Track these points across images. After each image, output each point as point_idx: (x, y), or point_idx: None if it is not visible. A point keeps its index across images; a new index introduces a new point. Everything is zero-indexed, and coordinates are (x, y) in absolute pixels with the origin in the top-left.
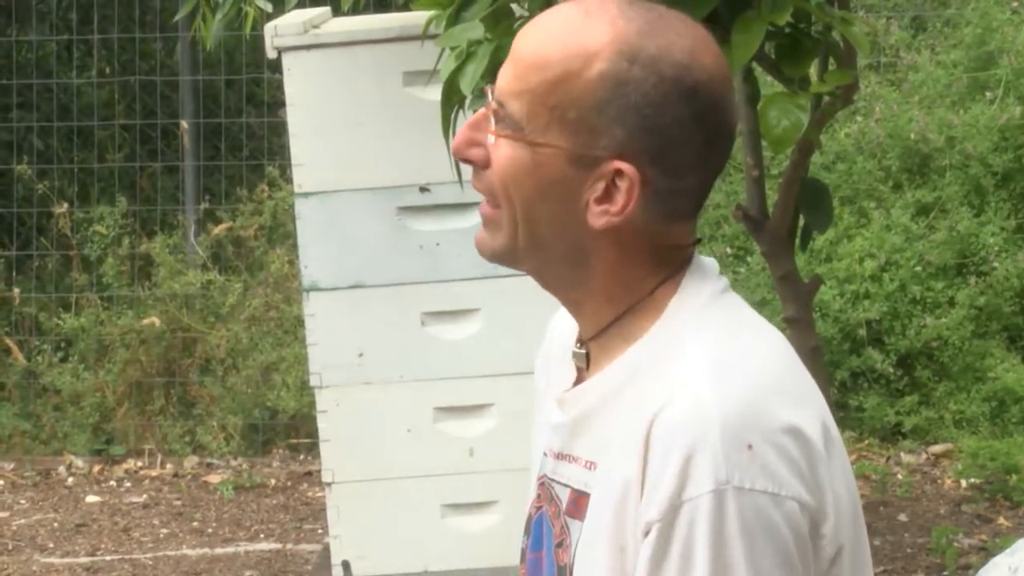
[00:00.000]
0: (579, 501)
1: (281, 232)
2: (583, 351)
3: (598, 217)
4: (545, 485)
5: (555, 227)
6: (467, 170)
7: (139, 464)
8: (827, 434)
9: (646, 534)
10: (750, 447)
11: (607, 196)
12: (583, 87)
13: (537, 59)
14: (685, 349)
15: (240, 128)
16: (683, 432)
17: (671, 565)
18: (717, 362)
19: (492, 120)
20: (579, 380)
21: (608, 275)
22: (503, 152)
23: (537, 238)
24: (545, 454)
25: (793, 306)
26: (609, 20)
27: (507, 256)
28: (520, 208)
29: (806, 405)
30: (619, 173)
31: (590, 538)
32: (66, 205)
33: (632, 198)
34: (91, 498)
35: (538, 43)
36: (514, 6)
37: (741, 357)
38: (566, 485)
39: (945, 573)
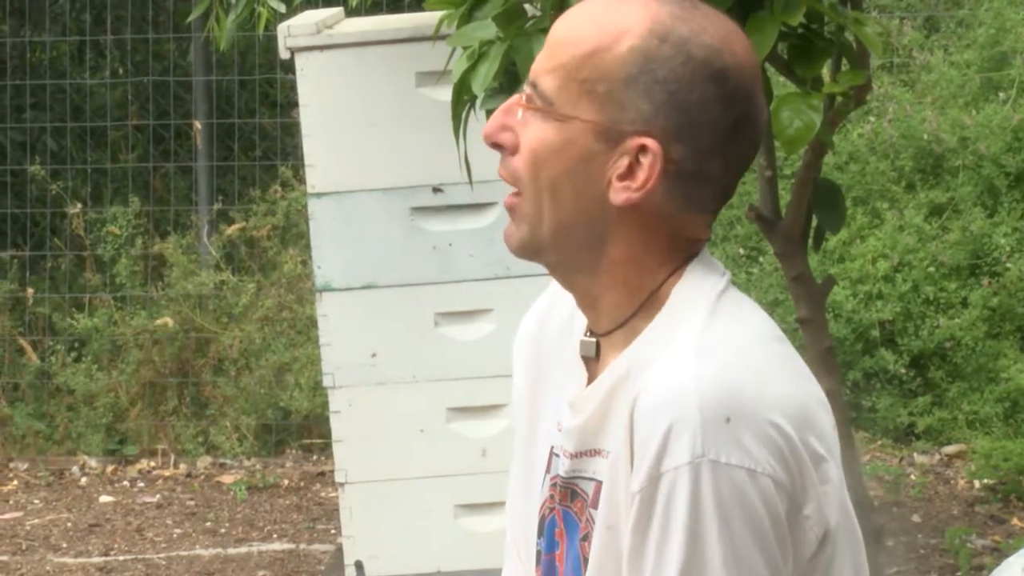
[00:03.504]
0: (599, 491)
1: (294, 232)
2: (592, 340)
3: (619, 193)
4: (559, 485)
5: (578, 208)
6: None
7: (152, 464)
8: (809, 418)
9: (632, 505)
10: (728, 421)
11: (630, 173)
12: (613, 60)
13: (570, 36)
14: (675, 337)
15: (253, 128)
16: (663, 408)
17: (652, 535)
18: (701, 344)
19: (523, 99)
20: (590, 377)
21: (626, 261)
22: (531, 131)
23: (561, 222)
24: (557, 455)
25: (806, 307)
26: (644, 3)
27: (532, 245)
28: (546, 189)
29: (789, 388)
30: (643, 149)
31: (600, 522)
32: (79, 205)
33: (653, 174)
34: (104, 498)
35: (573, 23)
36: (527, 6)
37: (725, 340)
38: (591, 479)
39: (958, 574)
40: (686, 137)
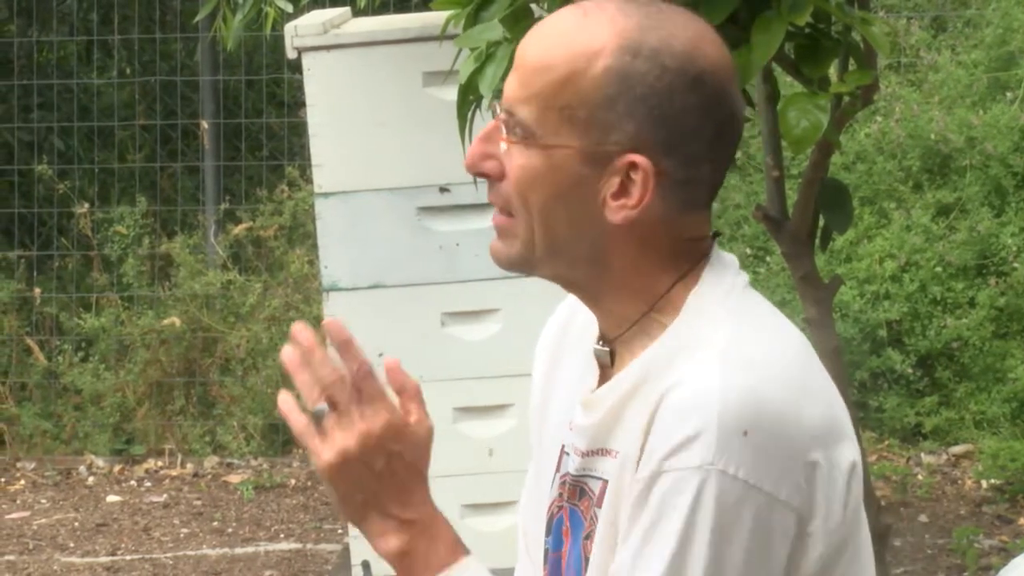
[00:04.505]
0: (602, 490)
1: (301, 232)
2: (606, 349)
3: (616, 212)
4: (567, 483)
5: (573, 229)
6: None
7: (159, 464)
8: (830, 433)
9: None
10: (745, 434)
11: (623, 191)
12: (589, 85)
13: (541, 63)
14: (699, 344)
15: (260, 128)
16: (684, 414)
17: (643, 523)
18: (727, 353)
19: (503, 130)
20: (603, 378)
21: (629, 271)
22: (516, 161)
23: (555, 243)
24: (568, 452)
25: (813, 306)
26: (608, 18)
27: (523, 264)
28: (537, 214)
29: (812, 404)
30: (633, 166)
31: (603, 519)
32: (87, 205)
33: (648, 190)
34: (111, 498)
35: (540, 48)
36: (533, 6)
37: (752, 350)
38: (599, 478)
39: (966, 574)
40: (673, 147)
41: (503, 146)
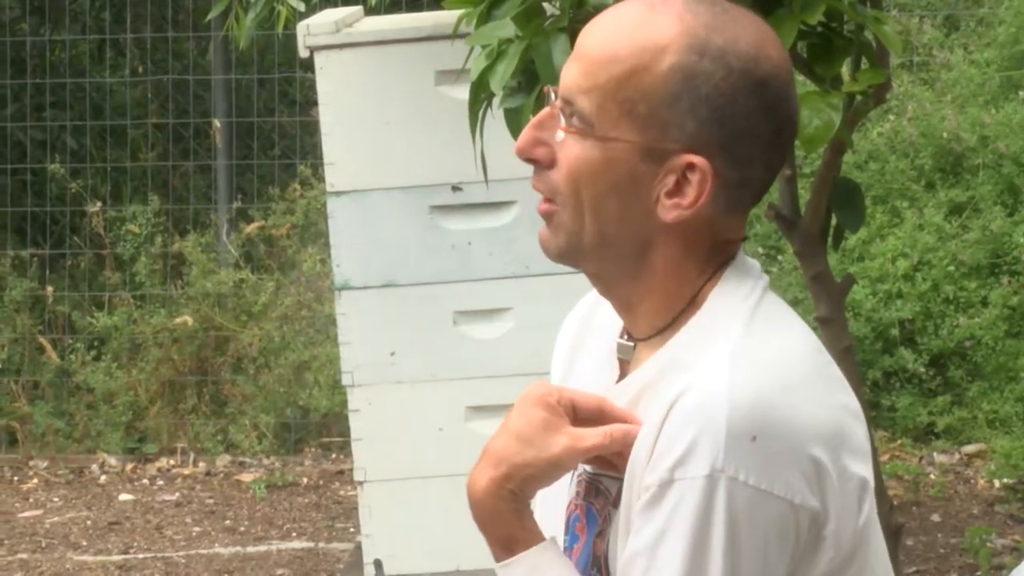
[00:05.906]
0: (619, 490)
1: (313, 231)
2: (630, 344)
3: (669, 211)
4: (584, 481)
5: (623, 223)
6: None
7: (172, 462)
8: (844, 437)
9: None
10: (754, 439)
11: (678, 190)
12: (653, 80)
13: (606, 55)
14: (712, 343)
15: (272, 127)
16: (692, 419)
17: (651, 532)
18: (738, 355)
19: (560, 118)
20: (622, 374)
21: (669, 271)
22: (572, 151)
23: (604, 235)
24: None
25: (825, 306)
26: (676, 14)
27: (572, 254)
28: (588, 206)
29: (814, 406)
30: (690, 167)
31: (621, 524)
32: (99, 204)
33: (704, 191)
34: (124, 496)
35: (606, 39)
36: (545, 5)
37: (762, 352)
38: (615, 477)
39: (978, 573)
40: (730, 149)
41: (559, 135)
